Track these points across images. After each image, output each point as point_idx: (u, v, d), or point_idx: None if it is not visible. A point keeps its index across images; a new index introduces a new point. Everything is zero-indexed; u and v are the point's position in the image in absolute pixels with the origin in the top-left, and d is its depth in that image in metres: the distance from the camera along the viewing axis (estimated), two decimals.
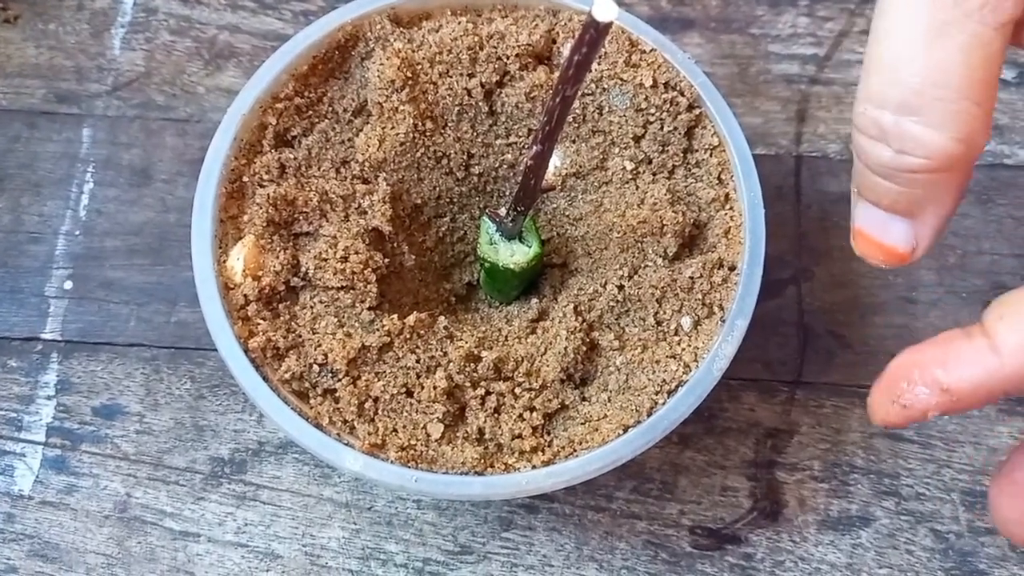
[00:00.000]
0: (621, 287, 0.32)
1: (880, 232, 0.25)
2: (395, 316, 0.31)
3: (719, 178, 0.33)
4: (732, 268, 0.32)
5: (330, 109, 0.34)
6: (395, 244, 0.33)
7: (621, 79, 0.33)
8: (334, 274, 0.31)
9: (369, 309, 0.31)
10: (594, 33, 0.23)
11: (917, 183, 0.23)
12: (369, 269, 0.31)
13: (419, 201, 0.34)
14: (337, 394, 0.30)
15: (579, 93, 0.28)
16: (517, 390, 0.31)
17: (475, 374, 0.30)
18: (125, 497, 0.38)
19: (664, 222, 0.32)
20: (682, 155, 0.34)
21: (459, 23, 0.34)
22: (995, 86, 0.22)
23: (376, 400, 0.30)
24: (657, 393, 0.30)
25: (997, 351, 0.21)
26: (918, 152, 0.22)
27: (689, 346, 0.31)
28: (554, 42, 0.35)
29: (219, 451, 0.38)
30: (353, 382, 0.30)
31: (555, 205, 0.35)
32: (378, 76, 0.33)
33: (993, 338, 0.21)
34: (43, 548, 0.37)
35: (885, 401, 0.23)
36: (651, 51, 0.34)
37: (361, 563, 0.37)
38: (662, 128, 0.33)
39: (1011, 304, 0.21)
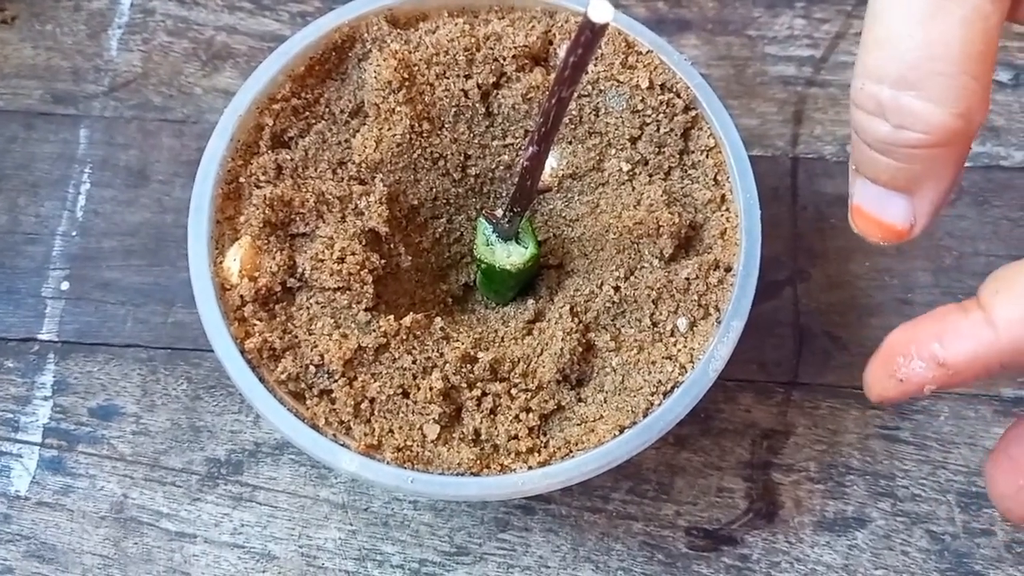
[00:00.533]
0: (617, 288, 0.32)
1: (878, 209, 0.25)
2: (391, 317, 0.31)
3: (715, 179, 0.33)
4: (728, 269, 0.32)
5: (327, 110, 0.34)
6: (392, 245, 0.33)
7: (617, 80, 0.33)
8: (330, 275, 0.31)
9: (365, 310, 0.31)
10: (590, 34, 0.23)
11: (916, 158, 0.23)
12: (365, 270, 0.31)
13: (416, 202, 0.34)
14: (333, 395, 0.30)
15: (575, 94, 0.28)
16: (513, 391, 0.31)
17: (471, 375, 0.30)
18: (121, 498, 0.38)
19: (660, 223, 0.32)
20: (678, 156, 0.34)
21: (456, 24, 0.34)
22: (993, 61, 0.22)
23: (372, 401, 0.30)
24: (653, 394, 0.30)
25: (993, 324, 0.20)
26: (917, 127, 0.22)
27: (685, 347, 0.31)
28: (550, 43, 0.35)
29: (215, 452, 0.38)
30: (349, 383, 0.30)
31: (551, 206, 0.35)
32: (375, 77, 0.33)
33: (989, 312, 0.21)
34: (39, 549, 0.37)
35: (882, 376, 0.23)
36: (647, 53, 0.34)
37: (357, 564, 0.37)
38: (658, 129, 0.33)
39: (1007, 278, 0.21)
